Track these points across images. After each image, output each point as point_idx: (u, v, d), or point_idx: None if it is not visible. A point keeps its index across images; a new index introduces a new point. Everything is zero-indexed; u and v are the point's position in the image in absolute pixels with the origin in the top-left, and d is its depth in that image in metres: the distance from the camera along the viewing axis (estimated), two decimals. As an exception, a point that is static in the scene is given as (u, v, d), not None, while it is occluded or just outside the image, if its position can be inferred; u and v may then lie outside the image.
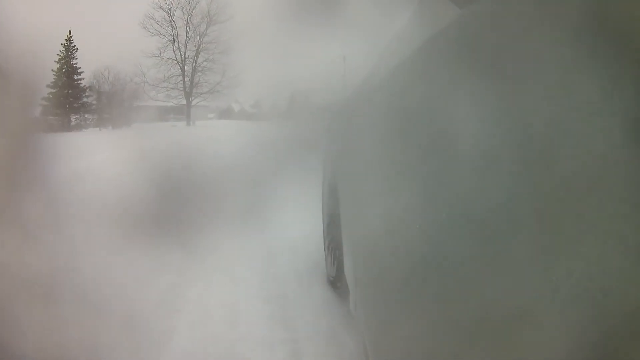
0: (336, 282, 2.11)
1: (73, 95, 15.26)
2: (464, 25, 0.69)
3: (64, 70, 15.32)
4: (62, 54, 15.32)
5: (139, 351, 1.66)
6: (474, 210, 0.59)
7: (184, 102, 18.28)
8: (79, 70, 15.93)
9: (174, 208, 3.82)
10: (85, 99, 15.80)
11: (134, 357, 1.64)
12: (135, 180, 4.53)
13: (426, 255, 0.75)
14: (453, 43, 0.72)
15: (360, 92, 1.60)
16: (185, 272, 2.37)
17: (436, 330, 0.70)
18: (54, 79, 14.90)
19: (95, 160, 6.16)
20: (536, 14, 0.49)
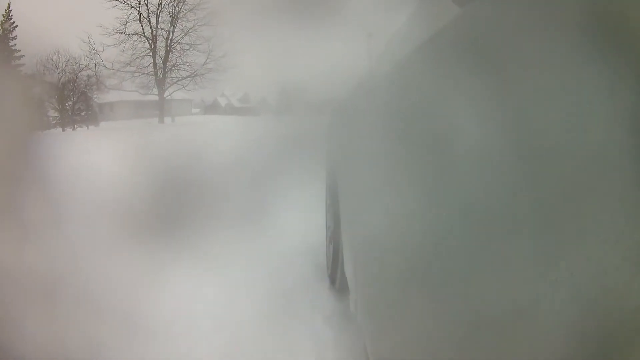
0: (336, 281, 2.11)
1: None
2: (465, 24, 0.69)
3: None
4: (-5, 33, 10.46)
5: (139, 351, 1.66)
6: (473, 209, 0.59)
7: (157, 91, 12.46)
8: (17, 54, 11.34)
9: (173, 208, 3.82)
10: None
11: (134, 357, 1.64)
12: (135, 180, 4.53)
13: (426, 254, 0.75)
14: (453, 42, 0.72)
15: (360, 91, 1.59)
16: (185, 272, 2.37)
17: (436, 330, 0.70)
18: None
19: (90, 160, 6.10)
20: (536, 13, 0.49)
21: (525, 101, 0.49)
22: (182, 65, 12.82)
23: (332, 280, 2.18)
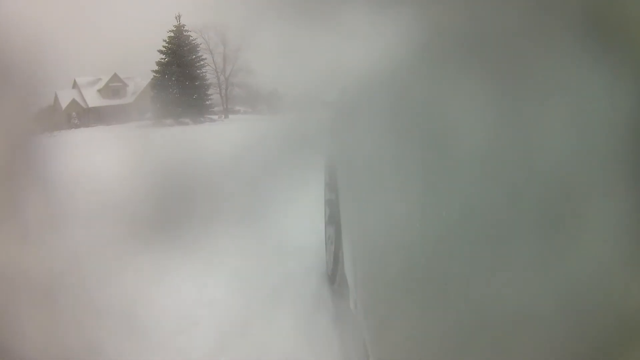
0: (336, 280, 2.11)
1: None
2: (465, 24, 0.69)
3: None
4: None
5: (139, 352, 1.66)
6: (474, 209, 0.59)
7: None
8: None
9: (173, 207, 3.81)
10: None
11: (134, 358, 1.64)
12: (135, 180, 4.52)
13: (426, 254, 0.75)
14: (453, 43, 0.72)
15: (360, 91, 1.59)
16: (186, 272, 2.37)
17: (436, 330, 0.70)
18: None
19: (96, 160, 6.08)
20: (536, 13, 0.49)
21: (525, 101, 0.49)
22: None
23: (332, 279, 2.18)
